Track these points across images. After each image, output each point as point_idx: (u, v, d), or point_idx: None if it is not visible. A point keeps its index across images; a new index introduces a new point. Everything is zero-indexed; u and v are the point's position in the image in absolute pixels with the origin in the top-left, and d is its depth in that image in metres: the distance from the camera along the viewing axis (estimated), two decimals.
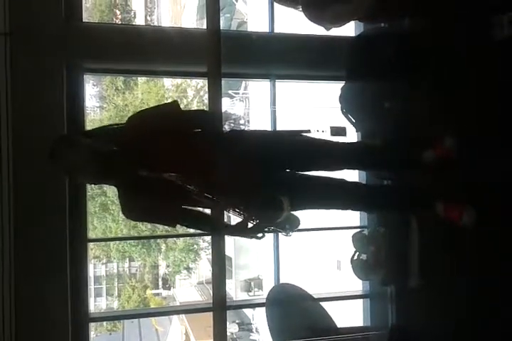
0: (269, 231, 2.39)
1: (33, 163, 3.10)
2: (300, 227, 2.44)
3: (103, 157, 2.06)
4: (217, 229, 2.76)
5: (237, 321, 12.31)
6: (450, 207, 2.62)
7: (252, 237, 2.36)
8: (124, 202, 2.29)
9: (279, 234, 2.49)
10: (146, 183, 2.14)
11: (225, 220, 2.85)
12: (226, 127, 2.46)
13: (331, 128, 3.14)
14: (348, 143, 2.78)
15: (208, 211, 2.62)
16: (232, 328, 11.67)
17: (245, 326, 12.59)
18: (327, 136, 3.09)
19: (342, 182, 2.65)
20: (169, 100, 13.65)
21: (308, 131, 2.59)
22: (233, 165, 2.25)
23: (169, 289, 16.01)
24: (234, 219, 2.45)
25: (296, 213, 2.44)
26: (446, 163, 2.67)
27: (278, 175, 2.47)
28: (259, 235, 2.35)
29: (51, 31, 3.29)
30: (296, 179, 2.57)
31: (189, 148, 2.24)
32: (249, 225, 2.32)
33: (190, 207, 2.40)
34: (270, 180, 2.35)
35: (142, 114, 2.38)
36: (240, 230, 2.39)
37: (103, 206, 12.51)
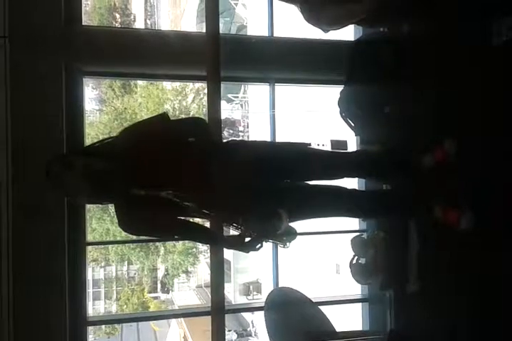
0: (266, 242, 2.37)
1: (31, 165, 3.10)
2: (299, 231, 2.43)
3: (97, 178, 2.02)
4: (214, 243, 2.75)
5: (235, 329, 12.33)
6: (448, 210, 2.62)
7: (249, 251, 2.34)
8: (121, 217, 2.26)
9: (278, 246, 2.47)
10: (141, 198, 2.09)
11: (224, 233, 2.82)
12: (225, 134, 2.45)
13: (332, 141, 3.13)
14: (347, 152, 2.77)
15: (206, 224, 2.60)
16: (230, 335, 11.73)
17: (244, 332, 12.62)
18: (327, 149, 3.08)
19: (340, 190, 2.64)
20: (168, 103, 13.70)
21: (309, 145, 2.58)
22: (230, 176, 2.23)
23: (168, 292, 15.99)
24: (232, 231, 2.42)
25: (294, 223, 2.42)
26: (445, 167, 2.67)
27: (276, 186, 2.44)
28: (257, 246, 2.33)
29: (51, 34, 3.28)
30: (294, 189, 2.55)
31: (181, 159, 2.20)
32: (247, 239, 2.30)
33: (187, 220, 2.38)
34: (269, 191, 2.33)
35: (131, 129, 2.34)
36: (237, 244, 2.37)
37: (102, 207, 12.48)
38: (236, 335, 12.40)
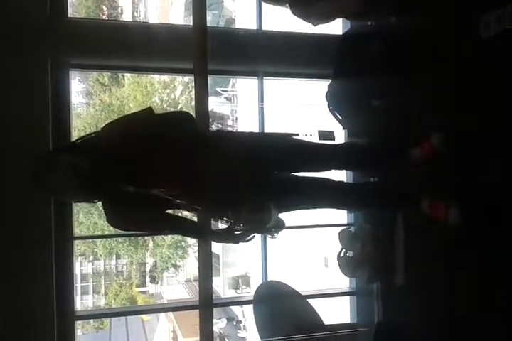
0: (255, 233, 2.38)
1: (16, 158, 3.07)
2: (287, 225, 2.44)
3: (83, 177, 1.97)
4: (204, 236, 2.74)
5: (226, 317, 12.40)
6: (435, 204, 2.64)
7: (239, 242, 2.35)
8: (109, 213, 2.23)
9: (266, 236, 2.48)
10: (128, 194, 2.06)
11: (212, 225, 2.82)
12: (213, 128, 2.42)
13: (319, 132, 3.14)
14: (335, 144, 2.77)
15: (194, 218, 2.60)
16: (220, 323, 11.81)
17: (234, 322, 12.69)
18: (315, 140, 3.08)
19: (328, 182, 2.65)
20: (156, 96, 13.63)
21: (297, 135, 2.58)
22: (218, 169, 2.21)
23: (157, 286, 15.99)
24: (221, 224, 2.43)
25: (280, 214, 2.43)
26: (433, 161, 2.68)
27: (265, 178, 2.44)
28: (247, 238, 2.33)
29: (36, 27, 3.25)
30: (282, 181, 2.55)
31: (168, 153, 2.17)
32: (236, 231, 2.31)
33: (175, 215, 2.37)
34: (257, 183, 2.32)
35: (116, 124, 2.28)
36: (226, 236, 2.37)
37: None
38: (226, 321, 12.48)
